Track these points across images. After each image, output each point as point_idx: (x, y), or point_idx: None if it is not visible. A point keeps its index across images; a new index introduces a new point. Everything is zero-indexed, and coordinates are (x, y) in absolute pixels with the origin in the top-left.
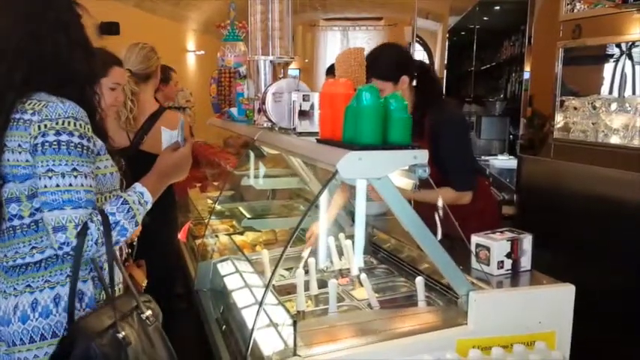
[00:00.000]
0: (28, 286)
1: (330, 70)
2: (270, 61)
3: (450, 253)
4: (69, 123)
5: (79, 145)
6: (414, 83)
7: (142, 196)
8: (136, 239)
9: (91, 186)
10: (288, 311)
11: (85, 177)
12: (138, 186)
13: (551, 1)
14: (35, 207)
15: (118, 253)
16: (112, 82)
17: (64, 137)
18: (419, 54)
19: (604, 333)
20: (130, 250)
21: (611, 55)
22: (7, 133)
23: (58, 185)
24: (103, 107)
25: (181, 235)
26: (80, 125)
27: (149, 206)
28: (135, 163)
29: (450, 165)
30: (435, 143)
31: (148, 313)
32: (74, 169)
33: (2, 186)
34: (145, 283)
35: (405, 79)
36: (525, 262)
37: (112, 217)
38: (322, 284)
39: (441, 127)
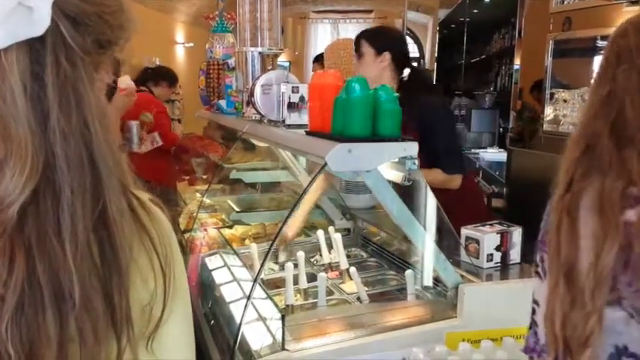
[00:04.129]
0: None
1: (318, 59)
2: (259, 53)
3: (440, 246)
4: None
5: None
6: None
7: None
8: None
9: None
10: (276, 305)
11: None
12: None
13: None
14: None
15: None
16: None
17: None
18: (409, 47)
19: None
20: None
21: (601, 48)
22: None
23: None
24: None
25: None
26: None
27: None
28: None
29: (440, 149)
30: (422, 131)
31: None
32: None
33: None
34: None
35: (387, 55)
36: (515, 254)
37: None
38: (312, 278)
39: (428, 114)
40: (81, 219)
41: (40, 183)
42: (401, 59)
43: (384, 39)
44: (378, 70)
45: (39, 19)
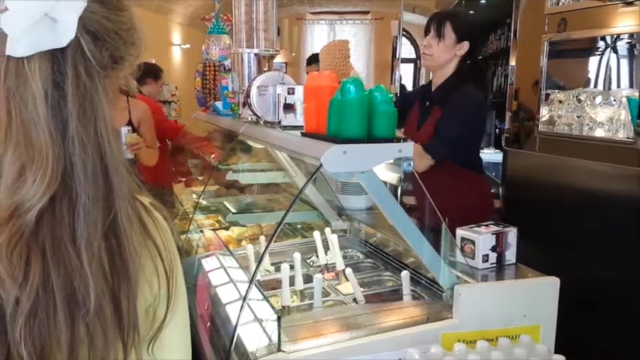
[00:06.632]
0: None
1: (313, 60)
2: (255, 54)
3: (435, 247)
4: None
5: None
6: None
7: None
8: None
9: None
10: (272, 306)
11: None
12: None
13: None
14: None
15: None
16: None
17: None
18: (406, 48)
19: (589, 326)
20: None
21: (597, 49)
22: None
23: None
24: None
25: None
26: None
27: None
28: None
29: (440, 129)
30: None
31: None
32: None
33: None
34: None
35: (465, 45)
36: (510, 255)
37: None
38: (308, 279)
39: (456, 101)
40: (94, 226)
41: (59, 190)
42: (472, 51)
43: (467, 27)
44: (451, 56)
45: (63, 32)
